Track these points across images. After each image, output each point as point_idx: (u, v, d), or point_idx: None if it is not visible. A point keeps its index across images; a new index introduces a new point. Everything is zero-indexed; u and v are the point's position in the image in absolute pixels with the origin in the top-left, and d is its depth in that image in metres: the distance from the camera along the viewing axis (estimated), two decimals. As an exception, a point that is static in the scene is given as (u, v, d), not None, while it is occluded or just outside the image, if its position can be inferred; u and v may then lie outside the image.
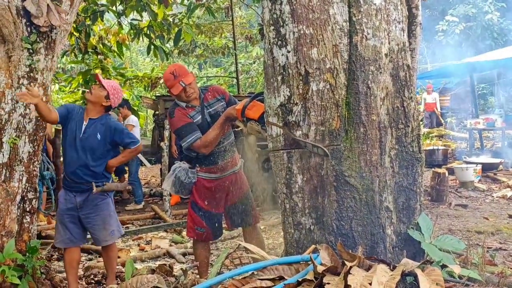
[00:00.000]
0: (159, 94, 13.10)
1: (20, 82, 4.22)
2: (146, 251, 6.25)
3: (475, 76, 16.66)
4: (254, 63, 20.19)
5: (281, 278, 2.54)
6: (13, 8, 4.10)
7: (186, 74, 4.15)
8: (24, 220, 4.36)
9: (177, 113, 4.17)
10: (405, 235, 2.97)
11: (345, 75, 2.87)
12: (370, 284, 2.23)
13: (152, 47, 9.35)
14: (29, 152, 4.31)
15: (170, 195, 8.12)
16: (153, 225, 7.56)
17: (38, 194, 4.51)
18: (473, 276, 2.73)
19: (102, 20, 9.54)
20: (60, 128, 5.57)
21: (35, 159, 4.39)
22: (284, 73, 2.89)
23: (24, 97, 3.89)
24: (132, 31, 9.60)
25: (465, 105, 19.79)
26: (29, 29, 4.21)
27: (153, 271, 3.45)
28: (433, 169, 9.03)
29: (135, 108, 12.37)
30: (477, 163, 10.22)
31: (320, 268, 2.39)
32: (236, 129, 4.31)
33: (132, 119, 9.11)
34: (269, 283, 2.48)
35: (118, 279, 4.72)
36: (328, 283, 2.28)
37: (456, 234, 6.05)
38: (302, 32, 2.82)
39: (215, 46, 15.81)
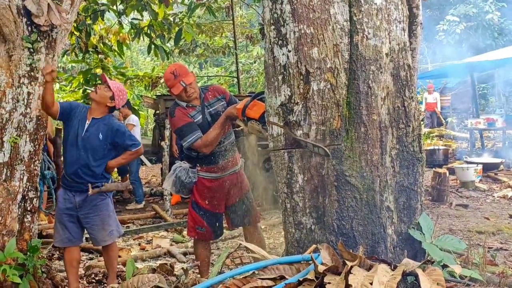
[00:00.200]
0: (159, 94, 13.10)
1: (21, 81, 4.22)
2: (147, 250, 6.25)
3: (476, 75, 16.66)
4: (254, 62, 20.18)
5: (282, 278, 2.54)
6: (14, 7, 4.10)
7: (186, 74, 4.15)
8: (25, 219, 4.36)
9: (178, 113, 4.16)
10: (406, 235, 2.97)
11: (345, 74, 2.87)
12: (371, 284, 2.22)
13: (153, 46, 9.34)
14: (30, 151, 4.31)
15: (171, 194, 8.12)
16: (154, 224, 7.56)
17: (39, 193, 4.51)
18: (474, 276, 2.72)
19: (103, 20, 9.53)
20: (61, 127, 5.57)
21: (36, 158, 4.39)
22: (284, 72, 2.88)
23: (48, 68, 4.04)
24: (132, 30, 9.60)
25: (465, 105, 19.79)
26: (29, 28, 4.21)
27: (154, 271, 3.45)
28: (434, 169, 9.03)
29: (136, 108, 12.37)
30: (478, 163, 10.22)
31: (321, 268, 2.39)
32: (237, 129, 4.31)
33: (132, 118, 9.11)
34: (270, 283, 2.48)
35: (119, 279, 4.72)
36: (329, 283, 2.27)
37: (457, 234, 6.05)
38: (302, 31, 2.82)
39: (216, 46, 15.80)
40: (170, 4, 8.96)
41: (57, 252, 5.93)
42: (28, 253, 4.18)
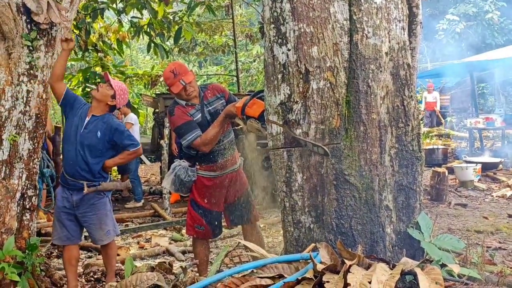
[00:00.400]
0: (159, 92, 13.09)
1: (20, 79, 4.22)
2: (146, 249, 6.26)
3: (475, 75, 16.66)
4: (254, 61, 20.17)
5: (280, 276, 2.54)
6: (13, 5, 4.10)
7: (186, 73, 4.15)
8: (24, 218, 4.36)
9: (177, 111, 4.16)
10: (405, 234, 2.97)
11: (345, 73, 2.87)
12: (370, 282, 2.22)
13: (152, 45, 9.34)
14: (29, 149, 4.31)
15: (170, 193, 8.12)
16: (153, 223, 7.57)
17: (38, 191, 4.51)
18: (473, 275, 2.73)
19: (102, 18, 9.54)
20: (61, 126, 5.57)
21: (35, 157, 4.39)
22: (284, 71, 2.88)
23: (66, 35, 4.11)
24: (132, 28, 9.59)
25: (465, 104, 19.80)
26: (29, 26, 4.21)
27: (152, 269, 3.45)
28: (433, 168, 9.03)
29: (135, 106, 12.37)
30: (476, 163, 10.23)
31: (319, 267, 2.39)
32: (236, 127, 4.31)
33: (131, 117, 9.11)
34: (268, 281, 2.48)
35: (118, 277, 4.72)
36: (328, 282, 2.27)
37: (456, 233, 6.06)
38: (302, 30, 2.82)
39: (215, 44, 15.80)
40: (170, 2, 8.96)
41: (56, 250, 5.93)
42: (27, 251, 4.19)
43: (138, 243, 6.65)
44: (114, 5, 8.99)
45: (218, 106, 4.24)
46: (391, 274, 2.32)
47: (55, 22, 4.24)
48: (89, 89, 10.50)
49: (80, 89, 11.16)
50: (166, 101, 10.04)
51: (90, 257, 5.98)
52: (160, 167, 9.73)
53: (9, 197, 4.19)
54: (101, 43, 10.35)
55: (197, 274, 4.30)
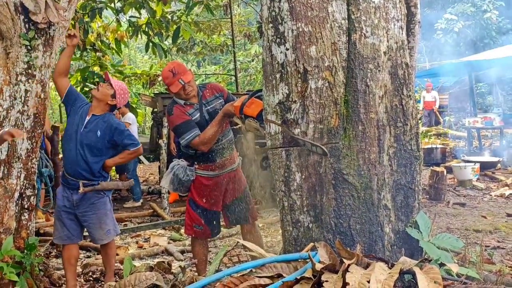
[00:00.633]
0: (157, 92, 13.10)
1: (18, 79, 4.21)
2: (145, 248, 6.25)
3: (474, 74, 16.66)
4: (252, 61, 20.16)
5: (279, 276, 2.54)
6: (11, 4, 4.09)
7: (185, 72, 4.14)
8: (22, 217, 4.35)
9: (176, 111, 4.16)
10: (403, 233, 2.97)
11: (343, 73, 2.87)
12: (368, 282, 2.23)
13: (151, 44, 9.34)
14: (27, 149, 4.30)
15: (169, 192, 8.12)
16: (152, 222, 7.56)
17: (36, 191, 4.50)
18: (471, 274, 2.73)
19: (101, 17, 9.53)
20: (59, 125, 5.56)
21: (33, 156, 4.38)
22: (282, 70, 2.88)
23: (72, 31, 4.18)
24: (130, 28, 9.60)
25: (463, 103, 19.81)
26: (27, 25, 4.20)
27: (151, 269, 3.45)
28: (431, 167, 9.04)
29: (134, 106, 12.36)
30: (475, 162, 10.23)
31: (318, 266, 2.39)
32: (235, 127, 4.31)
33: (129, 116, 9.10)
34: (267, 281, 2.48)
35: (117, 276, 4.71)
36: (326, 281, 2.27)
37: (454, 233, 6.06)
38: (300, 29, 2.82)
39: (214, 44, 15.79)
40: (168, 2, 8.95)
41: (55, 250, 5.92)
42: (25, 251, 4.18)
43: (137, 242, 6.65)
44: (112, 5, 8.99)
45: (217, 105, 4.24)
46: (389, 273, 2.32)
47: (53, 22, 4.23)
48: (87, 89, 10.50)
49: (79, 88, 11.16)
50: (164, 101, 10.04)
51: (89, 256, 5.97)
52: (159, 166, 9.72)
53: (7, 197, 4.18)
54: (99, 42, 10.35)
55: (196, 273, 4.30)
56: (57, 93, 14.20)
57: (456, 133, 16.85)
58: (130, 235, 6.93)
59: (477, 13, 26.08)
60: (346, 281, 2.23)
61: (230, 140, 4.36)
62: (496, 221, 6.80)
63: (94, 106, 4.43)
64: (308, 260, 2.55)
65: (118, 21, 9.93)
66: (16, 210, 4.28)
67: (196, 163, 4.27)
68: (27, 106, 4.26)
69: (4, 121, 4.15)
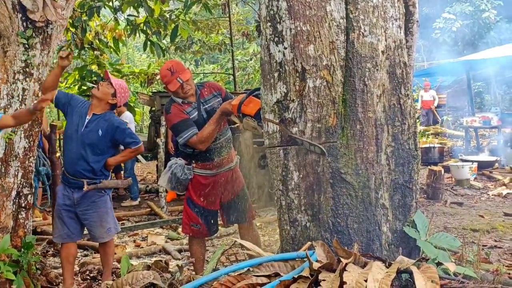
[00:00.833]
0: (155, 90, 13.08)
1: (16, 78, 4.20)
2: (142, 247, 6.25)
3: (472, 74, 16.68)
4: (250, 60, 20.14)
5: (276, 275, 2.54)
6: (9, 3, 4.08)
7: (183, 71, 4.14)
8: (20, 216, 4.35)
9: (174, 109, 4.16)
10: (401, 232, 2.97)
11: (341, 72, 2.87)
12: (366, 281, 2.23)
13: (149, 43, 9.32)
14: (24, 147, 4.30)
15: (166, 191, 8.11)
16: (149, 221, 7.56)
17: (33, 189, 4.50)
18: (468, 273, 2.73)
19: (99, 16, 9.52)
20: (56, 124, 5.56)
21: (31, 155, 4.38)
22: (280, 69, 2.88)
23: (64, 53, 4.11)
24: (128, 27, 9.58)
25: (461, 103, 19.83)
26: (25, 24, 4.19)
27: (148, 267, 3.44)
28: (429, 167, 9.04)
29: (132, 104, 12.34)
30: (473, 161, 10.25)
31: (315, 265, 2.39)
32: (233, 126, 4.31)
33: (126, 115, 9.07)
34: (264, 280, 2.48)
35: (114, 275, 4.72)
36: (324, 280, 2.27)
37: (452, 232, 6.07)
38: (299, 28, 2.81)
39: (212, 43, 15.77)
40: (166, 0, 8.94)
41: (52, 249, 5.92)
42: (23, 250, 4.18)
43: (134, 241, 6.64)
44: (111, 3, 8.97)
45: (215, 104, 4.24)
46: (387, 272, 2.32)
47: (51, 20, 4.23)
48: (85, 87, 10.48)
49: (77, 87, 11.14)
50: (162, 99, 10.03)
51: (86, 255, 5.97)
52: (157, 165, 9.72)
53: (4, 196, 4.18)
54: (97, 41, 10.32)
55: (193, 272, 4.30)
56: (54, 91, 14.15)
57: (454, 132, 16.87)
58: (127, 233, 6.93)
59: (475, 12, 26.10)
60: (344, 280, 2.23)
61: (228, 138, 4.36)
62: (494, 220, 6.82)
63: (95, 105, 4.42)
64: (305, 259, 2.55)
65: (116, 19, 9.90)
66: (13, 209, 4.28)
67: (194, 161, 4.27)
68: (25, 104, 4.25)
69: (2, 120, 4.14)
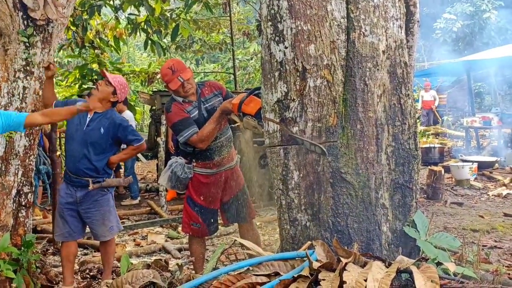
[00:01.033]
0: (156, 89, 13.05)
1: (16, 76, 4.20)
2: (142, 246, 6.25)
3: (472, 74, 16.67)
4: (251, 59, 20.13)
5: (276, 274, 2.54)
6: (10, 1, 4.08)
7: (184, 69, 4.14)
8: (20, 214, 4.35)
9: (174, 108, 4.16)
10: (401, 232, 2.98)
11: (342, 71, 2.87)
12: (366, 280, 2.23)
13: (149, 42, 9.32)
14: (25, 146, 4.30)
15: (166, 190, 8.11)
16: (149, 220, 7.56)
17: (33, 188, 4.50)
18: (468, 273, 2.73)
19: (99, 15, 9.50)
20: (56, 123, 5.55)
21: (31, 153, 4.38)
22: (281, 69, 2.88)
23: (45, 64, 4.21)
24: (129, 25, 9.57)
25: (461, 103, 19.82)
26: (25, 22, 4.19)
27: (148, 266, 3.44)
28: (429, 167, 9.04)
29: (132, 103, 12.33)
30: (473, 162, 10.24)
31: (315, 264, 2.39)
32: (233, 125, 4.31)
33: (126, 114, 9.06)
34: (264, 279, 2.48)
35: (114, 274, 4.72)
36: (324, 279, 2.28)
37: (452, 232, 6.07)
38: (299, 28, 2.81)
39: (213, 42, 15.76)
40: (167, -1, 8.94)
41: (52, 247, 5.92)
42: (22, 248, 4.17)
43: (134, 240, 6.64)
44: (111, 2, 8.96)
45: (215, 103, 4.24)
46: (386, 272, 2.32)
47: (51, 19, 4.22)
48: (86, 86, 10.47)
49: (77, 86, 11.13)
50: (163, 98, 10.02)
51: (86, 254, 5.97)
52: (157, 164, 9.71)
53: (4, 194, 4.18)
54: (98, 40, 10.31)
55: (193, 271, 4.30)
56: (55, 90, 14.13)
57: (454, 132, 16.86)
58: (127, 232, 6.93)
59: (476, 12, 26.08)
60: (343, 279, 2.23)
61: (229, 138, 4.36)
62: (493, 220, 6.82)
63: None
64: (305, 258, 2.55)
65: (117, 18, 9.90)
66: (14, 207, 4.28)
67: (194, 160, 4.27)
68: (25, 103, 4.25)
69: (2, 118, 4.14)
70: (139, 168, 13.44)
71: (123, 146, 4.67)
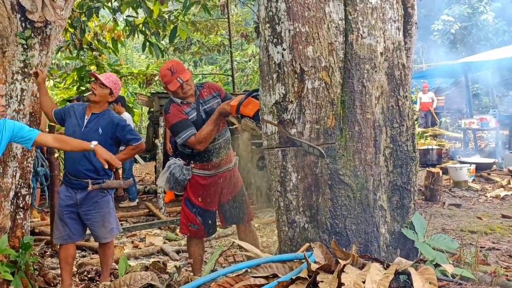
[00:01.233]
0: (154, 91, 13.07)
1: (14, 78, 4.20)
2: (140, 248, 6.25)
3: (470, 76, 16.70)
4: (249, 61, 20.16)
5: (274, 276, 2.54)
6: (8, 3, 4.08)
7: (183, 71, 4.15)
8: (18, 216, 4.35)
9: (172, 110, 4.16)
10: (399, 234, 2.97)
11: (340, 73, 2.87)
12: (364, 282, 2.23)
13: (148, 44, 9.33)
14: (23, 148, 4.29)
15: (165, 192, 8.11)
16: (147, 222, 7.55)
17: (31, 190, 4.49)
18: (466, 275, 2.73)
19: (98, 16, 9.52)
20: (54, 125, 5.54)
21: (29, 155, 4.38)
22: (279, 71, 2.88)
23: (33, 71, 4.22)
24: (127, 27, 9.58)
25: (459, 105, 19.84)
26: (23, 24, 4.19)
27: (146, 268, 3.45)
28: (427, 168, 9.06)
29: (130, 105, 12.33)
30: (471, 163, 10.26)
31: (313, 266, 2.39)
32: (231, 127, 4.31)
33: (125, 116, 9.07)
34: (262, 281, 2.48)
35: (112, 276, 4.71)
36: (322, 281, 2.27)
37: (450, 234, 6.07)
38: (297, 30, 2.82)
39: (211, 44, 15.78)
40: (165, 1, 8.94)
41: (50, 249, 5.91)
42: (20, 250, 4.17)
43: (132, 242, 6.64)
44: (110, 4, 8.97)
45: (214, 105, 4.24)
46: (385, 274, 2.32)
47: (49, 21, 4.22)
48: (84, 88, 10.47)
49: (75, 88, 11.13)
50: (161, 100, 10.02)
51: (84, 256, 5.96)
52: (155, 166, 9.71)
53: (2, 196, 4.17)
54: (96, 42, 10.32)
55: (191, 273, 4.30)
56: (53, 91, 14.10)
57: (452, 134, 16.88)
58: (125, 234, 6.92)
59: (473, 14, 26.15)
60: (342, 281, 2.23)
61: (227, 139, 4.36)
62: (491, 222, 6.83)
63: (93, 106, 4.42)
64: (303, 260, 2.55)
65: (115, 20, 9.91)
66: (11, 209, 4.27)
67: (192, 162, 4.27)
68: (23, 105, 4.25)
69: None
70: (137, 170, 13.43)
71: (121, 148, 4.66)
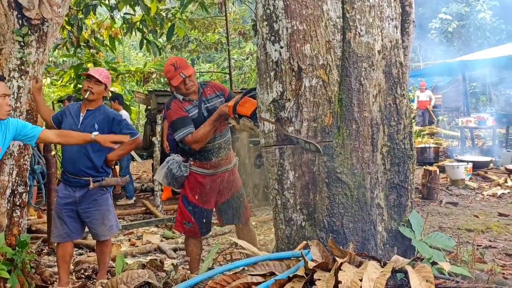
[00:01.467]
0: (151, 89, 13.05)
1: (11, 75, 4.19)
2: (137, 246, 6.24)
3: (467, 74, 16.71)
4: (247, 59, 20.15)
5: (272, 274, 2.54)
6: (5, 0, 4.06)
7: (186, 67, 4.15)
8: (14, 214, 4.33)
9: (174, 106, 4.16)
10: (396, 232, 2.98)
11: (338, 71, 2.87)
12: (361, 280, 2.23)
13: (145, 41, 9.31)
14: (19, 145, 4.28)
15: (162, 190, 8.10)
16: (144, 220, 7.54)
17: (28, 188, 4.48)
18: (463, 273, 2.74)
19: (95, 14, 9.49)
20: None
21: (26, 153, 4.36)
22: (277, 68, 2.88)
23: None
24: (124, 25, 9.56)
25: (457, 103, 19.86)
26: (20, 21, 4.18)
27: (143, 266, 3.44)
28: (424, 167, 9.06)
29: (127, 103, 12.32)
30: (468, 161, 10.27)
31: (311, 264, 2.39)
32: (230, 124, 4.30)
33: (122, 113, 9.05)
34: (260, 279, 2.48)
35: (109, 274, 4.70)
36: (319, 279, 2.28)
37: (447, 232, 6.08)
38: (295, 27, 2.82)
39: (208, 42, 15.76)
40: (163, -1, 8.93)
41: (47, 247, 5.90)
42: (17, 248, 4.16)
43: (129, 240, 6.63)
44: (107, 1, 8.95)
45: (217, 103, 4.22)
46: (382, 272, 2.32)
47: (46, 18, 4.21)
48: (81, 85, 10.44)
49: (72, 85, 11.11)
50: (158, 98, 10.02)
51: (81, 254, 5.95)
52: (152, 164, 9.70)
53: (-1, 194, 4.16)
54: (93, 39, 10.29)
55: (189, 271, 4.29)
56: (50, 89, 14.05)
57: (449, 132, 16.90)
58: (122, 232, 6.91)
59: (471, 13, 26.18)
60: (339, 279, 2.23)
61: (227, 140, 4.35)
62: (488, 220, 6.84)
63: (90, 103, 4.41)
64: (300, 258, 2.55)
65: (112, 18, 9.89)
66: (8, 207, 4.26)
67: (192, 159, 4.26)
68: (20, 102, 4.24)
69: (-3, 117, 4.13)
70: (134, 168, 13.42)
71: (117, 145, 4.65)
